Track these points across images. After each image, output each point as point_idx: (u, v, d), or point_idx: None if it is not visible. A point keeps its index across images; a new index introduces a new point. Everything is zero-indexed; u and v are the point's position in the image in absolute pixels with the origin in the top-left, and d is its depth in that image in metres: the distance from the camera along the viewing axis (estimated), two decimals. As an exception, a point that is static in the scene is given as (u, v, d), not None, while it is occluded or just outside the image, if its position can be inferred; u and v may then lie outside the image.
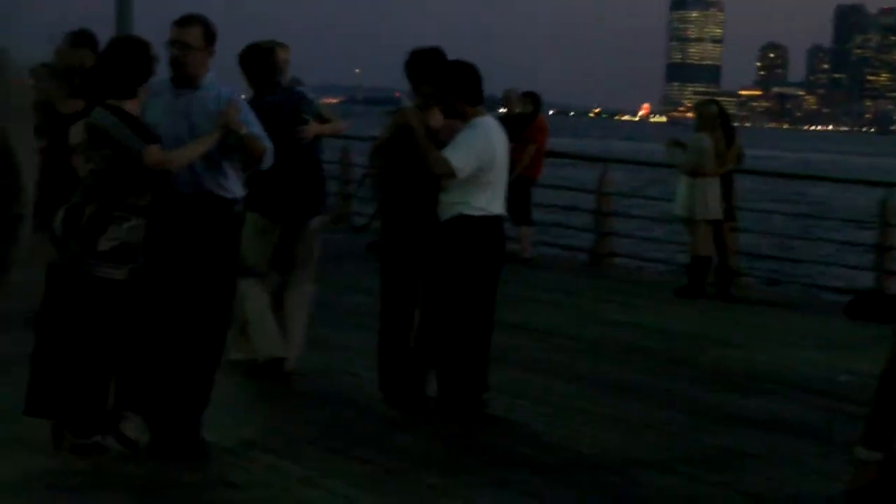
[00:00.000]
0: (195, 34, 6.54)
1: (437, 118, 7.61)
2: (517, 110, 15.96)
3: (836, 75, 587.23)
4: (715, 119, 13.58)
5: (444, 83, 7.49)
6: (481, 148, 7.41)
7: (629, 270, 16.06)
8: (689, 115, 18.43)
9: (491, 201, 7.49)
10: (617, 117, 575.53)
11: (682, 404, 8.54)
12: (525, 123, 15.72)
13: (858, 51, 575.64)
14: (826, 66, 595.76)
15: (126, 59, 6.36)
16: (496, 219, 7.56)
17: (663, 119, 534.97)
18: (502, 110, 16.74)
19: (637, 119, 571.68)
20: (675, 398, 8.72)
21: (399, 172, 7.66)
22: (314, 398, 8.20)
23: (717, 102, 14.51)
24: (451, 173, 7.30)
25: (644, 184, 29.78)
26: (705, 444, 7.57)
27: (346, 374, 8.88)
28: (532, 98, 16.05)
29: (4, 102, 2.05)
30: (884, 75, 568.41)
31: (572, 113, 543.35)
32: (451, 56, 7.82)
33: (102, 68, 6.45)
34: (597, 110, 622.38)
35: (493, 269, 7.62)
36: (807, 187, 45.74)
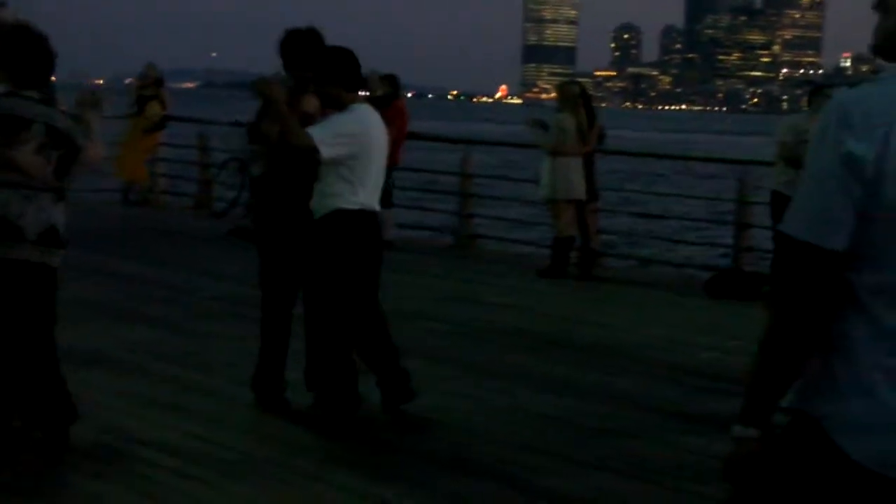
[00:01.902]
0: None
1: (312, 103, 7.39)
2: (378, 93, 15.90)
3: (689, 55, 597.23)
4: (577, 99, 13.66)
5: (321, 69, 7.24)
6: (351, 134, 7.13)
7: (493, 252, 16.11)
8: (544, 96, 18.53)
9: (368, 196, 7.23)
10: (475, 99, 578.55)
11: (554, 384, 8.57)
12: (384, 106, 15.67)
13: (710, 31, 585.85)
14: (679, 47, 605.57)
15: None
16: (373, 214, 7.28)
17: (519, 101, 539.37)
18: (362, 93, 16.66)
19: (494, 101, 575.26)
20: (548, 378, 8.74)
21: (273, 159, 7.45)
22: (180, 385, 8.06)
23: (578, 83, 14.63)
24: (311, 146, 6.98)
25: (505, 165, 29.91)
26: (577, 423, 7.60)
27: (207, 363, 8.76)
28: (391, 80, 16.00)
29: None
30: (734, 55, 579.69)
31: (430, 95, 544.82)
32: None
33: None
34: (454, 92, 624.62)
35: (374, 264, 7.39)
36: (658, 166, 46.35)
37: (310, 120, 7.28)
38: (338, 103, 7.25)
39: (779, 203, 11.95)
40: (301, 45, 7.49)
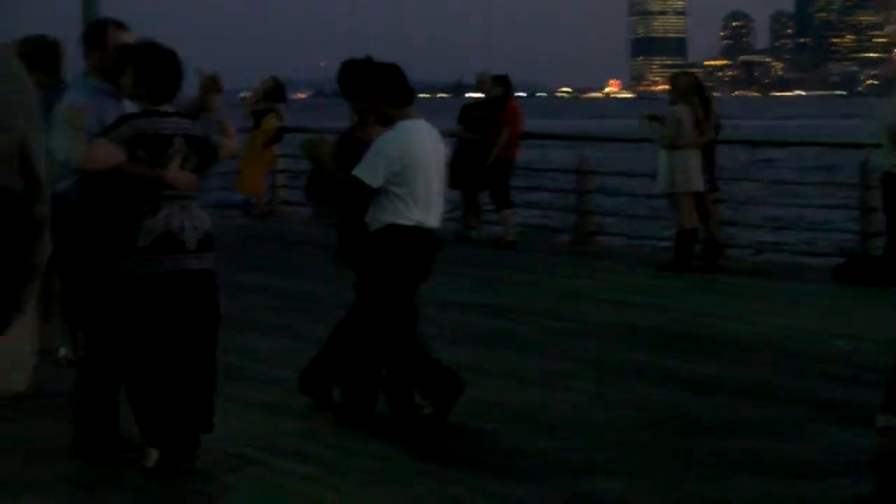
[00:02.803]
0: None
1: (377, 131, 7.34)
2: (491, 93, 15.92)
3: (801, 40, 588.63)
4: (691, 90, 13.53)
5: (366, 88, 7.28)
6: (391, 155, 7.05)
7: (614, 248, 16.00)
8: (656, 88, 18.38)
9: (423, 211, 7.18)
10: (585, 95, 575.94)
11: (680, 378, 8.48)
12: (498, 107, 15.68)
13: (821, 14, 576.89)
14: (790, 32, 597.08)
15: None
16: (428, 231, 7.23)
17: (631, 94, 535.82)
18: (477, 95, 16.69)
19: (604, 96, 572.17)
20: (672, 373, 8.65)
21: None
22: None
23: (692, 73, 14.50)
24: (364, 190, 7.04)
25: (621, 161, 29.72)
26: (704, 417, 7.51)
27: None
28: (503, 81, 16.01)
29: (22, 105, 2.00)
30: (847, 37, 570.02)
31: (541, 94, 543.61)
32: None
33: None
34: (564, 90, 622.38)
35: (420, 279, 7.36)
36: (783, 154, 45.71)
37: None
38: (386, 120, 7.25)
39: (891, 185, 11.71)
40: (356, 77, 7.48)
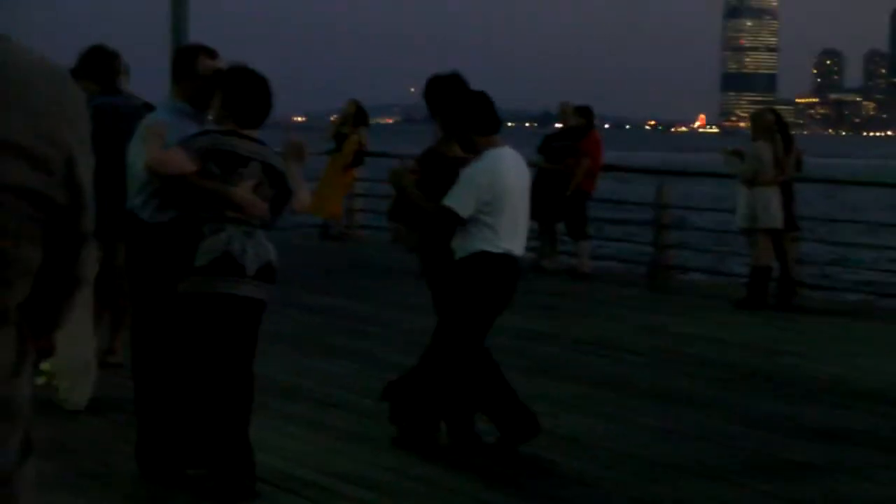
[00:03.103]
0: None
1: (460, 149, 7.37)
2: (572, 123, 15.93)
3: (894, 80, 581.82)
4: (772, 127, 13.45)
5: (453, 116, 7.28)
6: (480, 184, 7.09)
7: (689, 283, 15.92)
8: (742, 124, 18.31)
9: (510, 239, 7.20)
10: (673, 129, 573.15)
11: (750, 416, 8.42)
12: (579, 137, 15.69)
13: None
14: (884, 71, 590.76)
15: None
16: (514, 259, 7.24)
17: (716, 130, 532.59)
18: (558, 125, 16.72)
19: (689, 130, 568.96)
20: (743, 410, 8.59)
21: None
22: (374, 418, 8.13)
23: (773, 110, 14.38)
24: (454, 219, 7.07)
25: (701, 196, 29.58)
26: (774, 456, 7.44)
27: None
28: (584, 112, 16.01)
29: (69, 117, 2.06)
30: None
31: (628, 126, 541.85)
32: (480, 76, 7.64)
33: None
34: (652, 122, 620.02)
35: (500, 309, 7.33)
36: (865, 193, 45.19)
37: (458, 164, 7.27)
38: (471, 147, 7.25)
39: None
40: (443, 93, 7.48)
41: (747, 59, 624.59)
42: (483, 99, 7.29)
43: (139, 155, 6.31)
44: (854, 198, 44.03)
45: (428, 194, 7.23)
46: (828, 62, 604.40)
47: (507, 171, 7.26)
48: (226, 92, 6.26)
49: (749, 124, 14.25)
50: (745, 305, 13.25)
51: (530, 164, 14.85)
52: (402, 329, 11.53)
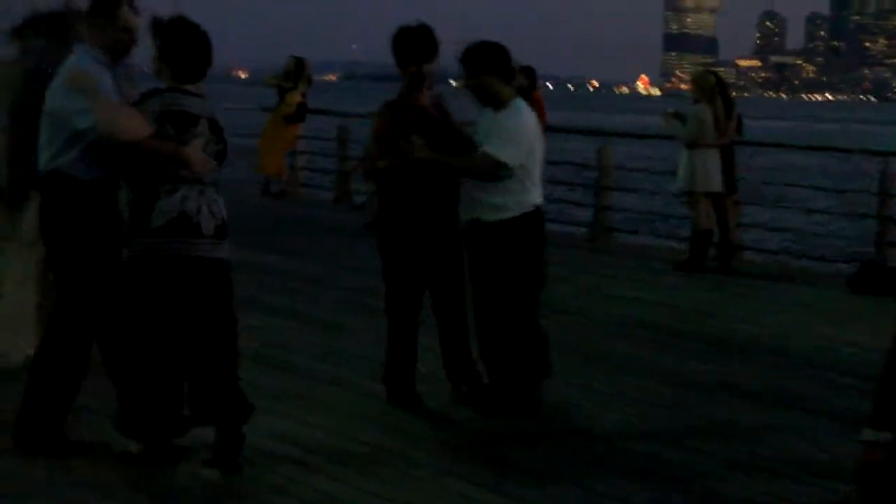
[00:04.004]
0: None
1: (425, 96, 7.32)
2: (515, 84, 15.88)
3: (834, 43, 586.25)
4: (713, 89, 13.48)
5: (480, 63, 7.16)
6: (521, 133, 7.10)
7: (630, 245, 15.98)
8: (683, 86, 18.35)
9: (535, 193, 7.23)
10: (616, 89, 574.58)
11: (688, 379, 8.49)
12: (523, 98, 15.63)
13: (856, 17, 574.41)
14: (824, 34, 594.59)
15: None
16: (539, 210, 7.28)
17: (658, 91, 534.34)
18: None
19: (631, 91, 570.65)
20: (679, 372, 8.66)
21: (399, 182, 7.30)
22: (313, 378, 8.11)
23: (714, 73, 14.43)
24: (505, 171, 7.00)
25: (642, 157, 29.64)
26: (713, 418, 7.51)
27: (340, 355, 8.82)
28: (528, 72, 15.94)
29: None
30: (881, 42, 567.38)
31: (570, 86, 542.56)
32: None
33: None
34: (595, 83, 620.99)
35: (539, 258, 7.35)
36: (803, 158, 45.54)
37: (427, 113, 7.23)
38: (496, 100, 7.19)
39: None
40: (414, 42, 7.35)
41: (689, 20, 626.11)
42: (507, 51, 7.28)
43: (76, 109, 6.05)
44: (785, 162, 44.30)
45: (397, 146, 7.10)
46: (769, 24, 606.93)
47: (533, 120, 7.32)
48: (164, 43, 6.11)
49: (690, 86, 14.29)
50: (685, 268, 13.32)
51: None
52: (338, 287, 11.53)
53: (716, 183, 13.27)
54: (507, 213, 7.13)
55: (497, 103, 7.20)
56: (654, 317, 10.73)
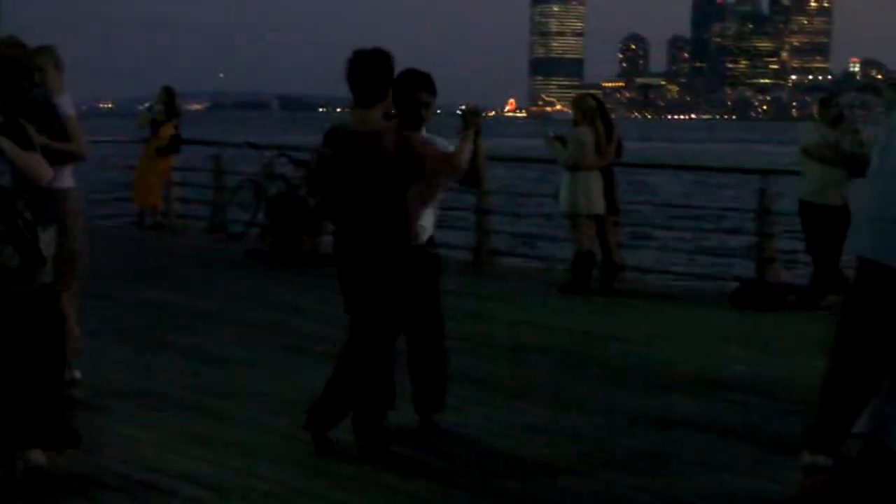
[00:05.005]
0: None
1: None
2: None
3: (697, 64, 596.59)
4: (594, 112, 13.56)
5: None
6: None
7: (513, 268, 15.98)
8: (549, 109, 18.43)
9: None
10: (485, 114, 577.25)
11: (585, 404, 8.40)
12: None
13: (717, 39, 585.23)
14: (687, 56, 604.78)
15: None
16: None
17: (524, 114, 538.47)
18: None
19: (499, 115, 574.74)
20: (578, 398, 8.58)
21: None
22: (210, 415, 7.92)
23: (594, 96, 14.50)
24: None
25: (520, 180, 29.77)
26: (616, 446, 7.40)
27: (234, 391, 8.62)
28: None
29: None
30: (742, 62, 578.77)
31: (438, 111, 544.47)
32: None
33: None
34: (464, 107, 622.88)
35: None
36: (671, 177, 46.18)
37: (376, 137, 7.07)
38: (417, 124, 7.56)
39: (806, 213, 12.18)
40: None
41: (555, 44, 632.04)
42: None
43: None
44: (659, 181, 44.88)
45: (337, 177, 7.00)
46: (633, 46, 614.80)
47: None
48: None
49: (560, 108, 14.38)
50: (569, 290, 13.34)
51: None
52: (225, 321, 11.32)
53: (598, 205, 13.32)
54: (430, 234, 7.72)
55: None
56: (542, 340, 10.67)
